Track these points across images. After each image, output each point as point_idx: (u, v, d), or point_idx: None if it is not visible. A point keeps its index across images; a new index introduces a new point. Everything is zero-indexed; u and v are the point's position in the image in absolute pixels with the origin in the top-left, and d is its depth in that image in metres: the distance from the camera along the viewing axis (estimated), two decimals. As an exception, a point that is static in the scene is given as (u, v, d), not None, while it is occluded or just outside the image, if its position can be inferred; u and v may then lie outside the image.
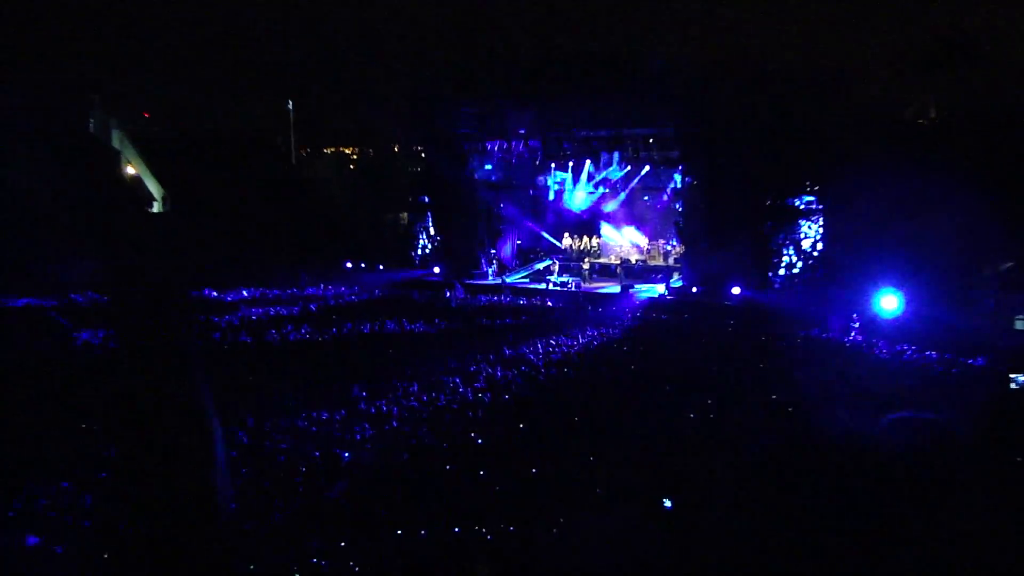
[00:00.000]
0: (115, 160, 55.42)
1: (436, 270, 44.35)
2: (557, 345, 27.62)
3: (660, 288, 39.54)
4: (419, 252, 47.97)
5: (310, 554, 12.20)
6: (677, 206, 42.20)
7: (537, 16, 45.62)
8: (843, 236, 35.31)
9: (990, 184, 29.79)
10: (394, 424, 18.15)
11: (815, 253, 36.60)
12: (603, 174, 45.04)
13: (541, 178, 46.87)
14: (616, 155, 43.28)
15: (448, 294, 40.41)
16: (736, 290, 36.54)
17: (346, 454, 16.10)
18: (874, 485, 12.43)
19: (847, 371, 23.45)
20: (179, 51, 62.20)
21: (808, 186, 36.87)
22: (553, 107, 41.81)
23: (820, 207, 36.82)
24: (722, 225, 37.54)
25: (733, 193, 37.27)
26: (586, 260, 45.09)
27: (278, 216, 50.73)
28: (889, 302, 30.61)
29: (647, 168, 43.19)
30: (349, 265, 47.07)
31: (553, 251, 47.20)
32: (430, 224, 47.44)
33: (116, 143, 55.89)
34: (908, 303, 30.76)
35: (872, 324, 30.10)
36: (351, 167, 62.11)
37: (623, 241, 46.68)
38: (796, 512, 12.38)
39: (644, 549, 12.17)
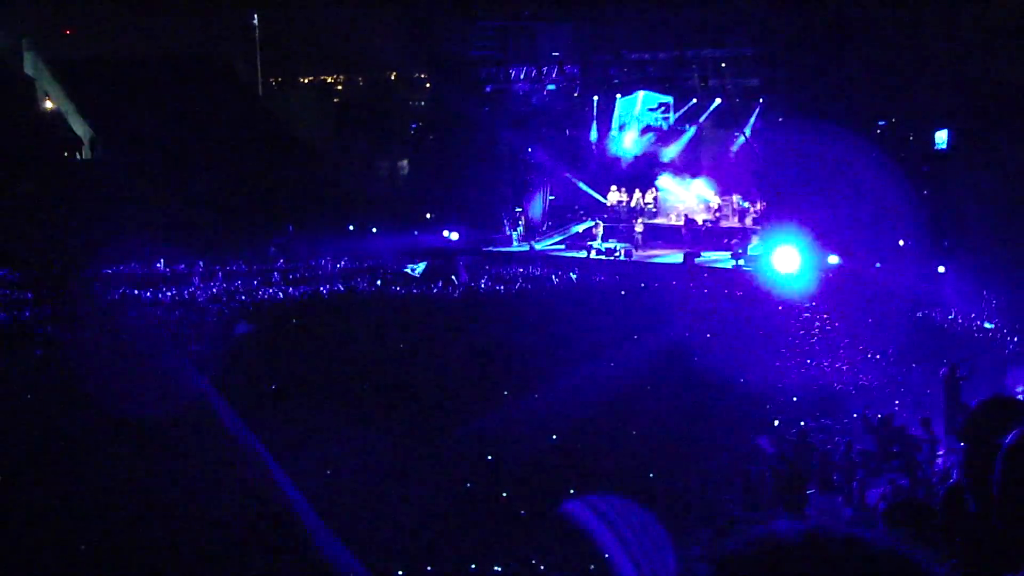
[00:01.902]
0: (28, 92, 55.61)
1: (447, 234, 44.06)
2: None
3: (732, 257, 39.13)
4: (422, 210, 48.01)
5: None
6: (756, 150, 42.17)
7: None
8: (983, 191, 34.91)
9: None
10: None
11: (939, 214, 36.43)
12: (661, 109, 44.53)
13: (581, 115, 46.64)
14: (678, 84, 43.23)
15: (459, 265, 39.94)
16: (834, 259, 36.27)
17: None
18: None
19: None
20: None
21: (936, 123, 36.49)
22: (597, 22, 41.52)
23: (951, 150, 36.56)
24: (816, 175, 36.84)
25: (832, 133, 36.04)
26: (638, 221, 44.56)
27: (240, 164, 50.67)
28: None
29: (718, 101, 42.71)
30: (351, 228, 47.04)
31: (596, 209, 46.46)
32: (432, 174, 47.40)
33: (30, 69, 55.83)
34: None
35: None
36: (335, 100, 61.78)
37: (687, 196, 45.73)
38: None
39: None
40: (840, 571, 1.69)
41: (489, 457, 19.62)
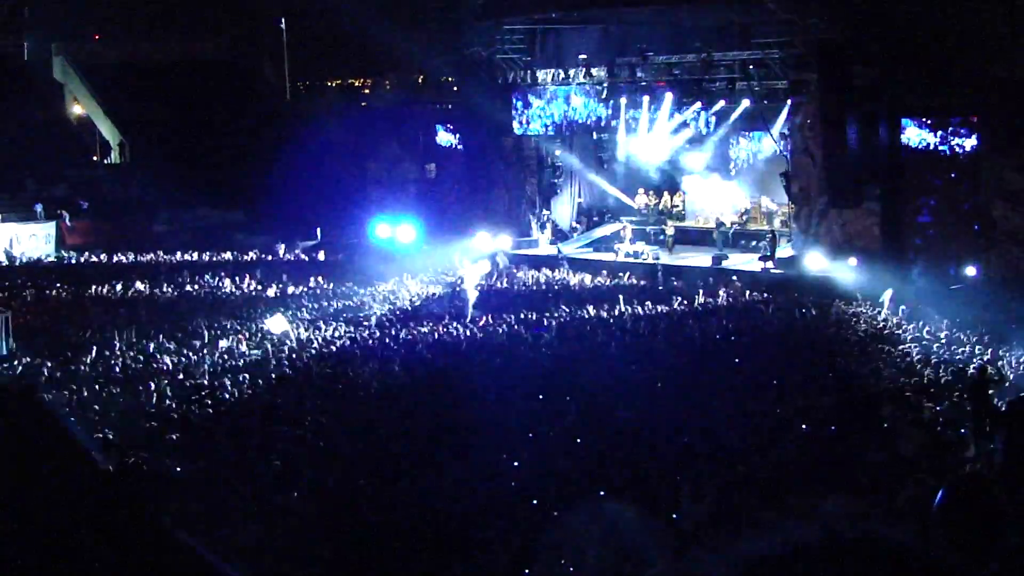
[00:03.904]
0: (58, 96, 55.98)
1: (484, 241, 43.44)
2: None
3: (760, 259, 39.13)
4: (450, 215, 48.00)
5: None
6: (785, 152, 42.01)
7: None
8: (1013, 191, 34.72)
9: None
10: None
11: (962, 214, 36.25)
12: (689, 111, 44.05)
13: (607, 117, 46.55)
14: (705, 86, 43.06)
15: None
16: (852, 261, 36.14)
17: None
18: None
19: None
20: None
21: (965, 122, 36.35)
22: (623, 24, 41.47)
23: (976, 146, 36.33)
24: (845, 177, 36.78)
25: (862, 134, 36.46)
26: (669, 224, 44.57)
27: (267, 167, 50.78)
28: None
29: (746, 103, 42.33)
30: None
31: (624, 212, 46.71)
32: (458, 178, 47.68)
33: (59, 74, 56.14)
34: None
35: None
36: (363, 104, 61.63)
37: (715, 199, 46.03)
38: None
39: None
40: (860, 570, 1.76)
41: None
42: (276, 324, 30.57)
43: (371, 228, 47.21)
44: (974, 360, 25.03)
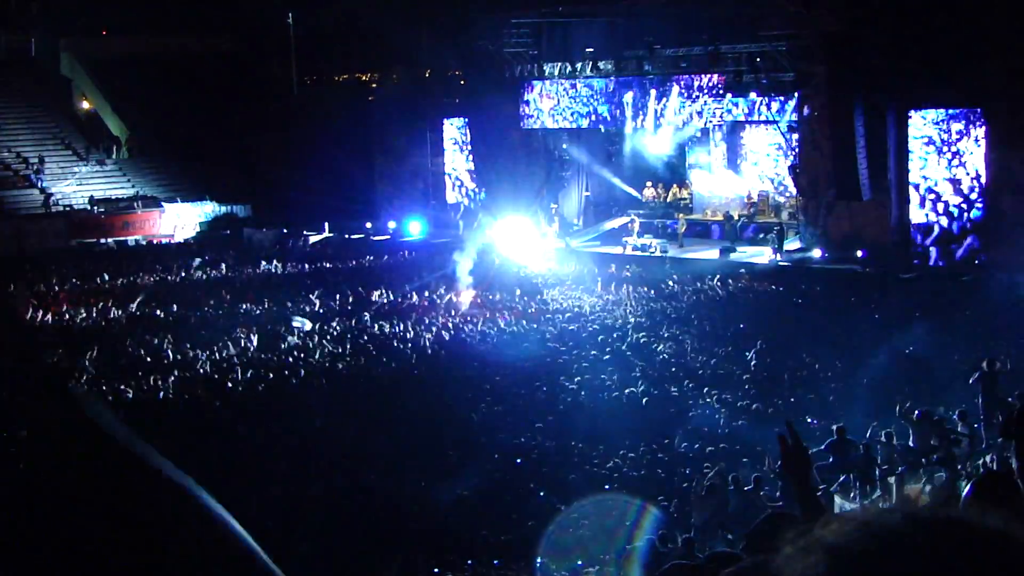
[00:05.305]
0: (65, 92, 56.07)
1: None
2: None
3: (773, 252, 39.10)
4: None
5: None
6: (792, 144, 42.04)
7: None
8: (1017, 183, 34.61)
9: None
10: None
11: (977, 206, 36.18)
12: (696, 104, 43.98)
13: (615, 110, 46.63)
14: (712, 79, 43.10)
15: None
16: (860, 253, 36.24)
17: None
18: None
19: None
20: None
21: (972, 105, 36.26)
22: (630, 16, 41.45)
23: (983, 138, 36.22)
24: (853, 169, 36.68)
25: (869, 126, 36.46)
26: (681, 217, 44.22)
27: (276, 161, 50.90)
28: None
29: (753, 95, 42.50)
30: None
31: (631, 205, 46.44)
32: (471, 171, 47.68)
33: (66, 70, 56.37)
34: None
35: None
36: (370, 99, 61.60)
37: (722, 191, 46.05)
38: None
39: None
40: (953, 555, 1.68)
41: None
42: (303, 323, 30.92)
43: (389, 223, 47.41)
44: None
